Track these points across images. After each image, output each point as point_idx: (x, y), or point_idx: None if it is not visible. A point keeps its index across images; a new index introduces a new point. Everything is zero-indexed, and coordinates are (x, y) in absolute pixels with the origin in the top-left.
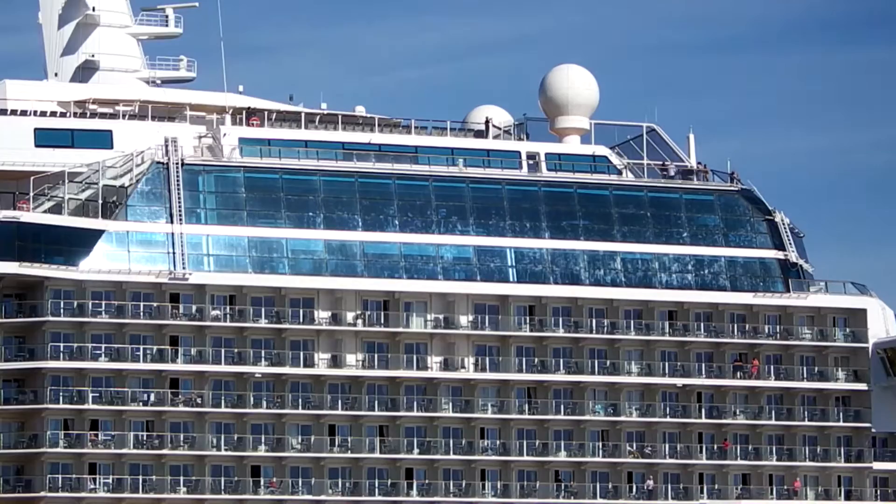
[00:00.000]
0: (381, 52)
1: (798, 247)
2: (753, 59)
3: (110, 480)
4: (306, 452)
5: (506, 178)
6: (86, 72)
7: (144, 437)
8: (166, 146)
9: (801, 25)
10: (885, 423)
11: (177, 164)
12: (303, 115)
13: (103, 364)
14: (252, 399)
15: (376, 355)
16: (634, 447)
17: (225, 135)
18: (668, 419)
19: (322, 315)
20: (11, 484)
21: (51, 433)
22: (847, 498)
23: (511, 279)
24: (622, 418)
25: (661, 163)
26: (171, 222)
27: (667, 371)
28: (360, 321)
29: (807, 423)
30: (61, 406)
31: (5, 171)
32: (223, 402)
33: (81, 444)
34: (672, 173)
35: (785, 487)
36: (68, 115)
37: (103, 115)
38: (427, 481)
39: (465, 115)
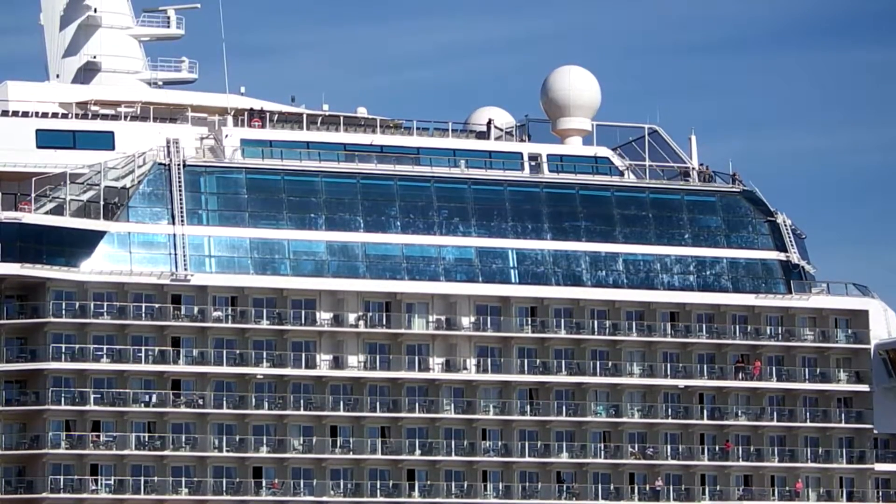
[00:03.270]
0: (383, 53)
1: (800, 248)
2: (755, 59)
3: (112, 481)
4: (308, 453)
5: (508, 179)
6: (87, 73)
7: (146, 438)
8: (168, 147)
9: (803, 26)
10: (887, 424)
11: (178, 165)
12: (304, 116)
13: (105, 365)
14: (254, 400)
15: (378, 356)
16: (636, 448)
17: (227, 136)
18: (670, 420)
19: (324, 316)
20: (13, 485)
21: (52, 434)
22: (849, 499)
23: (513, 280)
24: (624, 419)
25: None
26: (173, 223)
27: (668, 372)
28: (361, 322)
29: (808, 424)
30: (63, 407)
31: (7, 172)
32: (225, 403)
33: (83, 446)
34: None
35: (787, 489)
36: (70, 116)
37: (105, 117)
38: (429, 482)
39: (467, 117)
